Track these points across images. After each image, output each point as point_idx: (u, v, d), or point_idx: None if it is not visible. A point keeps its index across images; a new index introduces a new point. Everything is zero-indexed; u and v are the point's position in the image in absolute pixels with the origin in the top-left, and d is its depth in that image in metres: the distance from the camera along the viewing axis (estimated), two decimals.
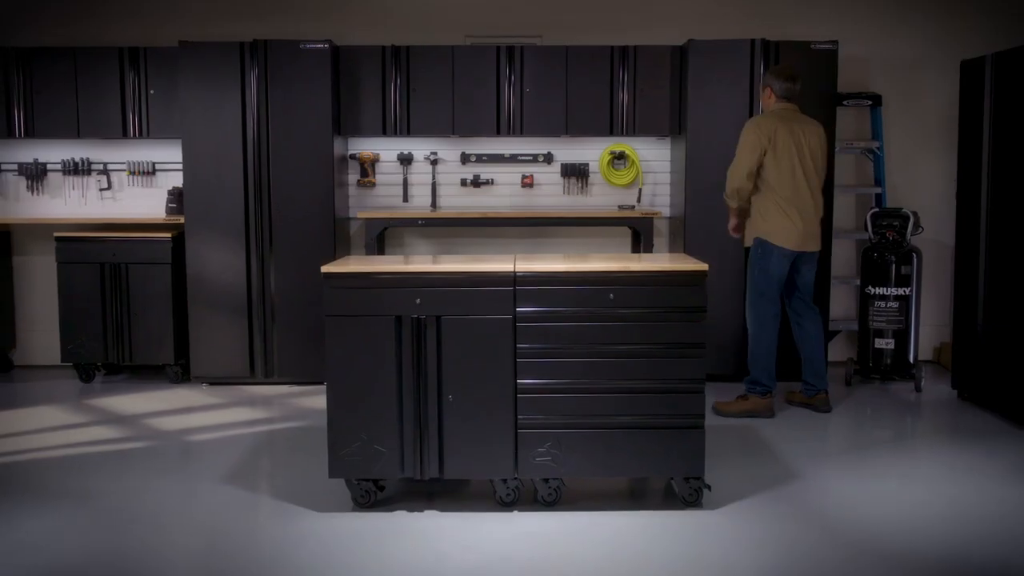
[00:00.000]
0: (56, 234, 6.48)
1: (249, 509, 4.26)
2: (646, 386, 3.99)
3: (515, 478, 4.07)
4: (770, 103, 5.61)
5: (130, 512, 4.18)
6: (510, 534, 3.88)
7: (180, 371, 6.58)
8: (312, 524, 3.98)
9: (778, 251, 5.50)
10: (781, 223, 5.48)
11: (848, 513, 4.15)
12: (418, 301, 3.98)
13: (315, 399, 6.13)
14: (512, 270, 3.98)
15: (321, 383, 6.40)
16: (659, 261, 4.48)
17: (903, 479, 4.65)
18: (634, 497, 4.35)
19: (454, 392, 4.00)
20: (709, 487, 4.15)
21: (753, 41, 6.31)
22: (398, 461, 4.04)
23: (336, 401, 4.01)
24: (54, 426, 5.58)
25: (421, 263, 4.32)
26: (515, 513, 4.08)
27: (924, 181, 7.03)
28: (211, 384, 6.50)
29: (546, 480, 4.09)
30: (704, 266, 4.03)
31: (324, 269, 4.03)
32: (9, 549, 3.76)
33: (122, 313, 6.47)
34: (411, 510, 4.12)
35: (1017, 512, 4.14)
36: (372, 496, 4.13)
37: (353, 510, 4.11)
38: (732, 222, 5.77)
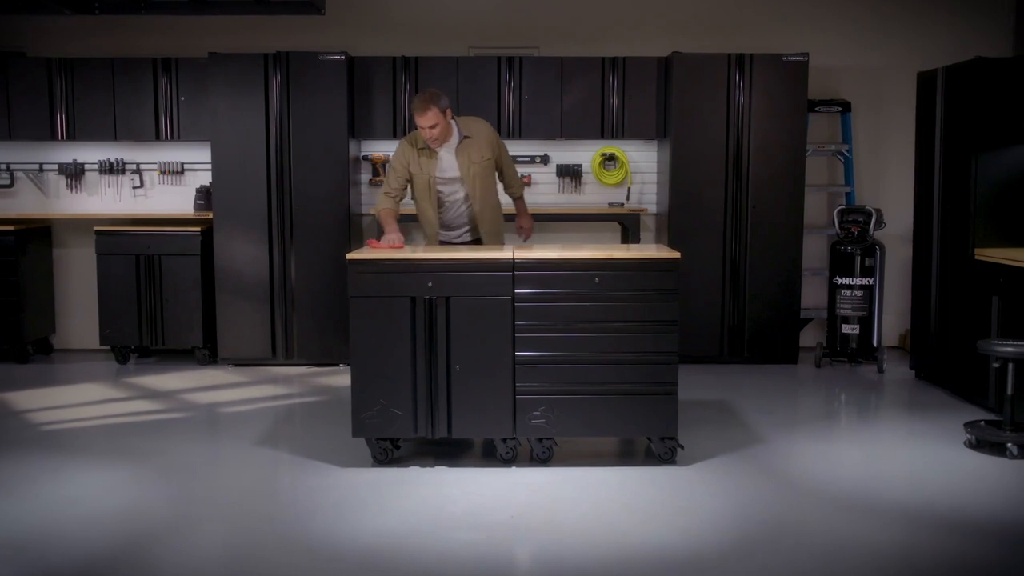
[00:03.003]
0: (96, 228, 7.11)
1: (281, 465, 4.89)
2: (627, 357, 4.61)
3: (513, 438, 4.69)
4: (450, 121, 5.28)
5: (176, 469, 4.80)
6: (509, 485, 4.50)
7: (208, 353, 7.20)
8: (337, 477, 4.61)
9: None
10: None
11: (808, 469, 4.78)
12: (430, 284, 4.59)
13: (332, 378, 6.75)
14: (511, 257, 4.61)
15: (337, 364, 7.04)
16: (638, 250, 5.11)
17: (860, 443, 5.31)
18: (617, 456, 4.98)
19: (461, 362, 4.62)
20: (682, 447, 4.78)
21: (730, 55, 6.95)
22: (412, 422, 4.66)
23: (359, 370, 4.64)
24: (98, 400, 6.20)
25: (432, 252, 4.93)
26: (513, 468, 4.70)
27: (890, 180, 7.64)
28: (236, 365, 7.11)
29: (540, 439, 4.71)
30: (676, 254, 4.65)
31: (349, 256, 4.65)
32: (75, 498, 4.40)
33: (155, 300, 7.09)
34: (423, 466, 4.74)
35: (959, 468, 4.77)
36: (389, 454, 4.75)
37: (372, 466, 4.73)
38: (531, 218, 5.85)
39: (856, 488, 4.49)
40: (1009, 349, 4.84)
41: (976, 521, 4.08)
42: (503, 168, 5.56)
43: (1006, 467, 4.74)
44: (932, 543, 3.87)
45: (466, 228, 5.49)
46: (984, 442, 4.96)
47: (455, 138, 5.29)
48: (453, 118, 5.31)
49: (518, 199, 5.71)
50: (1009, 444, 4.83)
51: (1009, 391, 4.91)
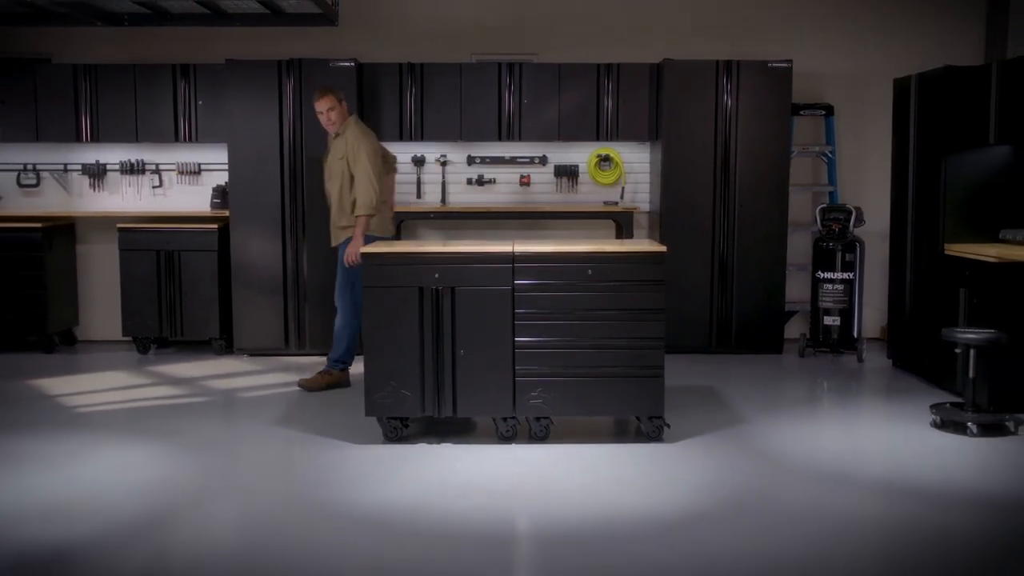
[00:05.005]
0: (119, 225, 7.51)
1: (296, 443, 5.29)
2: (617, 342, 5.01)
3: (513, 417, 5.10)
4: (346, 115, 6.09)
5: (197, 446, 5.21)
6: (508, 459, 4.91)
7: (224, 344, 7.59)
8: (351, 452, 5.01)
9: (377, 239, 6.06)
10: (382, 216, 6.11)
11: (788, 447, 5.18)
12: (437, 275, 5.00)
13: None
14: (512, 251, 5.01)
15: None
16: (628, 245, 5.52)
17: (838, 424, 5.75)
18: (609, 434, 5.38)
19: (465, 347, 5.02)
20: (668, 425, 5.19)
21: (718, 62, 7.35)
22: (420, 403, 5.07)
23: (371, 354, 5.04)
24: (122, 386, 6.60)
25: (439, 246, 5.33)
26: (513, 445, 5.10)
27: (870, 180, 8.03)
28: (251, 355, 7.50)
29: (538, 418, 5.12)
30: (663, 248, 5.06)
31: (362, 250, 5.04)
32: (116, 468, 4.83)
33: (174, 294, 7.49)
34: (430, 442, 5.15)
35: (926, 446, 5.18)
36: (399, 431, 5.16)
37: (383, 443, 5.13)
38: (361, 244, 5.75)
39: (832, 464, 4.90)
40: (970, 336, 5.24)
41: (939, 493, 4.49)
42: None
43: (966, 445, 5.15)
44: (899, 511, 4.28)
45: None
46: (948, 422, 5.36)
47: (336, 134, 6.06)
48: (356, 121, 6.07)
49: (357, 217, 5.85)
50: (970, 424, 5.24)
51: (971, 375, 5.31)
